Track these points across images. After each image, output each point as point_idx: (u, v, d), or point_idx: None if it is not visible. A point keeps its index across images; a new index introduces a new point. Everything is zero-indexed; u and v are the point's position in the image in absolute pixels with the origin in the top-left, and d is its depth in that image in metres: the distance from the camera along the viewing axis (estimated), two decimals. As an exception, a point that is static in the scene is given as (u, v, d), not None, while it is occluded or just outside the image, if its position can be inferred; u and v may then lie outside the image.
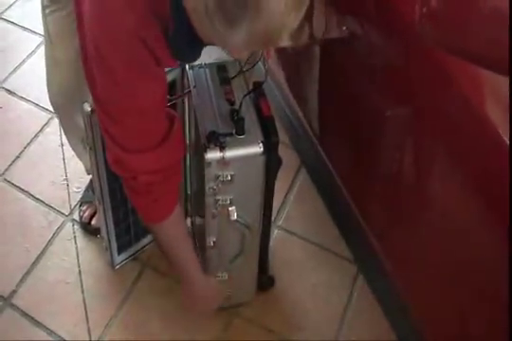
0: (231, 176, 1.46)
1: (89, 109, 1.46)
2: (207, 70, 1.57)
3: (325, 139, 1.91)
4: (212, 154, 1.43)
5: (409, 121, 1.48)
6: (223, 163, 1.43)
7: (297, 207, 2.04)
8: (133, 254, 1.90)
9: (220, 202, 1.51)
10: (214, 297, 1.68)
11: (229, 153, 1.43)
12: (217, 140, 1.43)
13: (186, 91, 1.59)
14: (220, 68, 1.57)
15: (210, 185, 1.48)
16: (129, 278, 1.88)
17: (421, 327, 1.62)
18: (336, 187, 1.88)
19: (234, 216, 1.52)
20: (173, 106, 1.58)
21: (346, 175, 1.86)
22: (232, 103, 1.50)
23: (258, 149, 1.45)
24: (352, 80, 1.62)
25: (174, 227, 1.47)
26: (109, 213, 1.72)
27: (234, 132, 1.45)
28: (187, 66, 1.57)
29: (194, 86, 1.54)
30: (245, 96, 1.49)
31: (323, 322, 1.82)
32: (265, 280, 1.85)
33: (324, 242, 1.97)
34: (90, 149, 1.56)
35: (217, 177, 1.46)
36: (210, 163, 1.44)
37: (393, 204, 1.63)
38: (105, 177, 1.63)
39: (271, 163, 1.50)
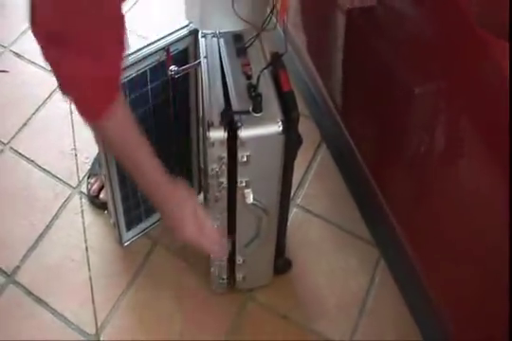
0: (247, 157, 1.34)
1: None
2: (221, 40, 1.43)
3: (348, 114, 1.79)
4: (216, 134, 1.31)
5: (440, 98, 1.37)
6: (240, 143, 1.31)
7: (316, 185, 1.92)
8: (143, 230, 1.80)
9: (224, 184, 1.40)
10: (196, 219, 1.37)
11: (245, 133, 1.30)
12: (231, 118, 1.31)
13: (196, 62, 1.46)
14: (236, 38, 1.44)
15: (212, 166, 1.36)
16: (138, 256, 1.78)
17: (444, 316, 1.53)
18: (357, 165, 1.78)
19: (250, 199, 1.41)
20: (185, 78, 1.45)
21: (369, 154, 1.75)
22: (249, 77, 1.37)
23: (277, 128, 1.32)
24: (380, 52, 1.49)
25: (122, 130, 1.24)
26: (116, 188, 1.61)
27: (251, 109, 1.32)
28: (199, 34, 1.44)
29: (205, 57, 1.41)
30: (263, 69, 1.36)
31: (341, 310, 1.71)
32: (281, 264, 1.73)
33: (344, 222, 1.85)
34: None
35: (221, 159, 1.34)
36: (212, 143, 1.32)
37: (418, 185, 1.54)
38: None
39: (291, 142, 1.38)
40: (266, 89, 1.35)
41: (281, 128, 1.32)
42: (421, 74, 1.39)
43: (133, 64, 1.39)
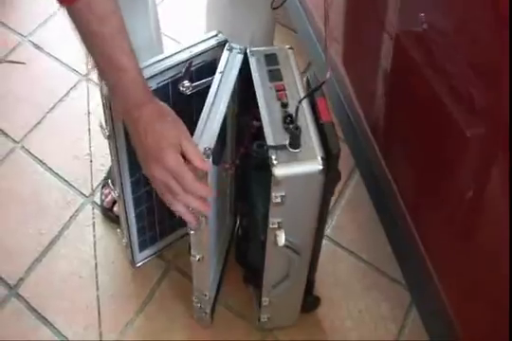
0: (281, 197, 1.18)
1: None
2: (253, 58, 1.26)
3: (388, 147, 1.61)
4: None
5: (495, 144, 1.19)
6: (274, 182, 1.15)
7: (347, 215, 1.75)
8: (156, 251, 1.65)
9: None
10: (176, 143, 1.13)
11: (281, 171, 1.14)
12: (265, 154, 1.15)
13: (209, 78, 1.27)
14: (269, 58, 1.26)
15: None
16: (151, 278, 1.63)
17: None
18: (392, 198, 1.61)
19: (282, 241, 1.25)
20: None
21: (408, 191, 1.57)
22: (285, 105, 1.20)
23: (317, 166, 1.15)
24: (430, 85, 1.31)
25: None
26: (130, 207, 1.46)
27: (287, 143, 1.16)
28: (226, 47, 1.28)
29: (221, 72, 1.24)
30: (304, 98, 1.19)
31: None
32: (309, 302, 1.57)
33: (375, 259, 1.69)
34: (109, 137, 1.29)
35: None
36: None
37: (459, 233, 1.37)
38: (127, 167, 1.37)
39: (330, 180, 1.21)
40: (303, 119, 1.18)
41: (321, 166, 1.16)
42: (476, 115, 1.22)
43: (153, 76, 1.23)
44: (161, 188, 1.15)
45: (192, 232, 1.27)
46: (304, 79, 1.26)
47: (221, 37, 1.28)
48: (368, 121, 1.66)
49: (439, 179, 1.38)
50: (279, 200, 1.19)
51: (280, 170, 1.14)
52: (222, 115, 1.19)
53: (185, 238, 1.60)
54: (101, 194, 1.71)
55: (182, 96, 1.28)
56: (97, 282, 1.61)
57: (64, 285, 1.62)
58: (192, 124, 1.40)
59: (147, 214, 1.51)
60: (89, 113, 1.78)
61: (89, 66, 1.91)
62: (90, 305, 1.59)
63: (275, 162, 1.14)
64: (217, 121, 1.18)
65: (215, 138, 1.17)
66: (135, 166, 1.32)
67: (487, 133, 1.19)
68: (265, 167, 1.25)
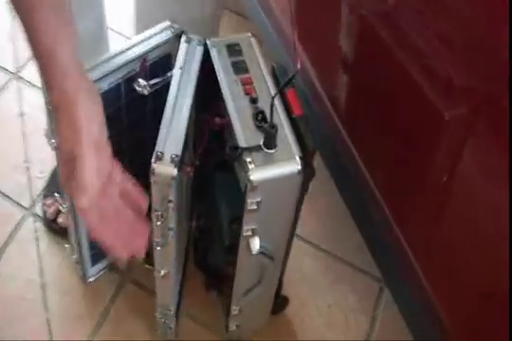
0: (257, 203, 1.05)
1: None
2: (214, 49, 1.13)
3: (355, 129, 1.50)
4: (163, 170, 1.02)
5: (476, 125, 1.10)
6: (250, 188, 1.02)
7: (306, 206, 1.63)
8: (109, 264, 1.50)
9: (172, 230, 1.13)
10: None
11: (257, 176, 1.01)
12: (240, 158, 1.02)
13: (168, 75, 1.14)
14: (231, 48, 1.14)
15: (155, 207, 1.08)
16: (105, 294, 1.48)
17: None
18: (362, 183, 1.50)
19: (257, 248, 1.13)
20: (166, 88, 1.14)
21: (380, 174, 1.47)
22: (254, 100, 1.08)
23: (295, 166, 1.03)
24: (402, 65, 1.22)
25: None
26: (81, 221, 1.31)
27: (262, 143, 1.03)
28: (182, 38, 1.14)
29: (181, 68, 1.11)
30: (278, 92, 1.06)
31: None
32: (278, 303, 1.46)
33: (339, 250, 1.61)
34: (57, 148, 1.13)
35: (167, 201, 1.06)
36: (155, 181, 1.03)
37: (438, 213, 1.28)
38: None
39: (306, 177, 1.10)
40: (275, 114, 1.05)
41: (299, 166, 1.04)
42: (455, 95, 1.12)
43: (104, 76, 1.09)
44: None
45: (158, 248, 1.13)
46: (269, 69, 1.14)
47: (176, 28, 1.13)
48: (331, 101, 1.54)
49: (415, 159, 1.29)
50: (254, 206, 1.06)
51: (257, 175, 1.02)
52: (186, 116, 1.06)
53: None
54: (43, 205, 1.55)
55: (136, 96, 1.14)
56: (45, 304, 1.45)
57: (9, 310, 1.46)
58: (147, 127, 1.27)
59: (99, 226, 1.36)
60: (22, 114, 1.60)
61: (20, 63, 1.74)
62: (40, 329, 1.43)
63: (251, 166, 1.01)
64: (182, 124, 1.05)
65: (182, 144, 1.03)
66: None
67: (464, 112, 1.11)
68: (227, 166, 1.16)
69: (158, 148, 1.02)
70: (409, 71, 1.22)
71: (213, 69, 1.13)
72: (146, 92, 1.10)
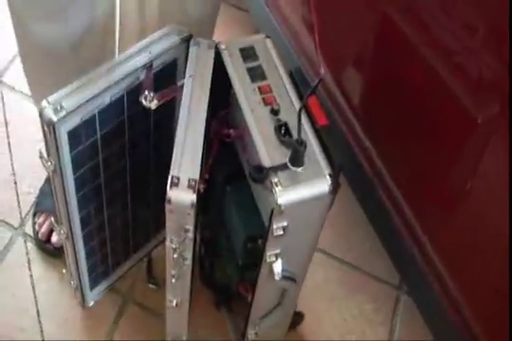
0: (284, 228, 0.94)
1: (53, 117, 0.91)
2: (225, 53, 1.00)
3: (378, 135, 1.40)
4: (180, 196, 0.90)
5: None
6: (276, 212, 0.90)
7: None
8: (109, 285, 1.38)
9: (187, 261, 1.02)
10: None
11: (286, 199, 0.90)
12: (266, 178, 0.89)
13: (178, 85, 1.02)
14: (246, 52, 1.01)
15: (171, 236, 0.97)
16: (106, 318, 1.36)
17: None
18: (380, 185, 1.41)
19: (279, 273, 1.02)
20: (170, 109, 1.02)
21: (400, 177, 1.37)
22: (276, 112, 0.95)
23: (326, 186, 0.92)
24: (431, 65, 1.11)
25: None
26: (80, 246, 1.19)
27: (288, 161, 0.91)
28: (191, 42, 1.01)
29: (191, 76, 0.98)
30: (303, 104, 0.94)
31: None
32: (292, 319, 1.35)
33: (354, 258, 1.51)
34: (54, 171, 1.00)
35: (185, 231, 0.95)
36: (171, 209, 0.92)
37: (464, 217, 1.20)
38: (75, 202, 1.09)
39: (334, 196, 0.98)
40: (294, 124, 0.93)
41: (330, 186, 0.92)
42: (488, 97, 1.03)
43: (106, 90, 0.96)
44: None
45: (173, 281, 1.01)
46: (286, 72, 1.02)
47: (183, 30, 1.00)
48: (351, 107, 1.43)
49: (441, 163, 1.21)
50: (280, 232, 0.95)
51: (284, 198, 0.90)
52: (202, 134, 0.93)
53: (139, 263, 1.39)
54: (34, 224, 1.41)
55: (139, 109, 1.01)
56: (42, 334, 1.33)
57: (3, 342, 1.33)
58: (149, 145, 1.14)
59: (98, 248, 1.25)
60: (6, 123, 1.46)
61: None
62: (40, 361, 1.31)
63: (278, 188, 0.89)
64: (198, 144, 0.93)
65: (199, 166, 0.90)
66: (84, 199, 1.05)
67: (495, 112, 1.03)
68: (239, 179, 1.07)
69: (173, 172, 0.90)
70: (437, 71, 1.12)
71: (225, 74, 1.00)
72: (154, 106, 0.97)
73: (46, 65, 1.18)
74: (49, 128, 0.93)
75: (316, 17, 1.02)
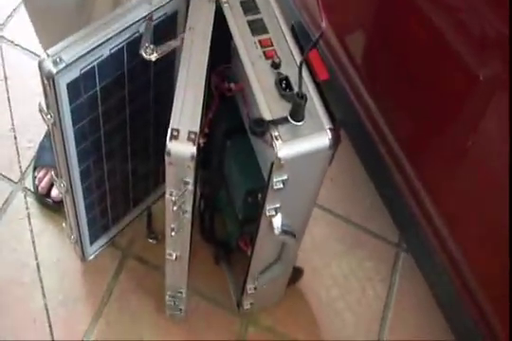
0: (283, 182, 0.93)
1: (52, 69, 0.91)
2: (226, 5, 0.99)
3: (377, 87, 1.39)
4: (180, 148, 0.90)
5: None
6: (276, 166, 0.90)
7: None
8: (109, 240, 1.38)
9: (187, 214, 1.01)
10: None
11: (286, 153, 0.89)
12: (266, 132, 0.89)
13: (177, 38, 1.01)
14: (247, 5, 0.99)
15: (170, 189, 0.96)
16: (106, 273, 1.38)
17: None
18: (383, 142, 1.40)
19: (279, 227, 1.02)
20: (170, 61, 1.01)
21: (403, 133, 1.37)
22: (277, 65, 0.94)
23: (326, 140, 0.91)
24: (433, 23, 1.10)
25: None
26: (80, 199, 1.19)
27: (289, 115, 0.90)
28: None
29: (191, 28, 0.97)
30: (304, 58, 0.92)
31: (359, 327, 1.39)
32: (292, 275, 1.36)
33: (353, 214, 1.51)
34: (54, 124, 0.99)
35: (184, 183, 0.94)
36: (170, 162, 0.91)
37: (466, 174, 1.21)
38: (75, 156, 1.09)
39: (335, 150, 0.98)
40: (295, 78, 0.92)
41: (330, 140, 0.92)
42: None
43: (105, 42, 0.95)
44: None
45: (172, 234, 1.02)
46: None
47: (184, -18, 0.99)
48: (352, 61, 1.42)
49: (442, 117, 1.21)
50: (280, 185, 0.95)
51: (284, 152, 0.90)
52: (202, 87, 0.93)
53: (139, 218, 1.40)
54: (34, 178, 1.42)
55: (139, 62, 1.00)
56: (42, 288, 1.34)
57: (3, 297, 1.34)
58: (149, 98, 1.14)
59: (98, 202, 1.25)
60: (6, 78, 1.45)
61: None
62: (39, 317, 1.32)
63: (278, 142, 0.89)
64: (198, 97, 0.92)
65: (199, 119, 0.90)
66: (84, 153, 1.05)
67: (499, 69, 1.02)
68: (240, 133, 1.06)
69: (173, 124, 0.89)
70: (439, 27, 1.11)
71: (225, 27, 0.99)
72: (153, 58, 0.96)
73: (53, 18, 1.17)
74: (49, 80, 0.92)
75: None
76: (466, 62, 1.10)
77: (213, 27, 0.99)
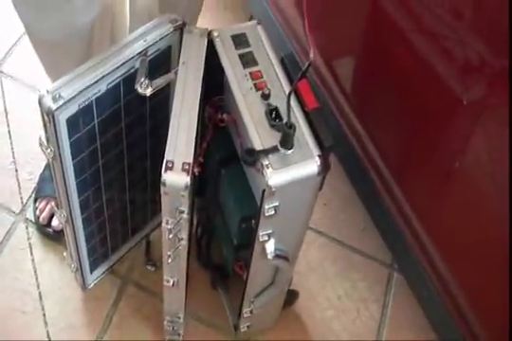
0: (275, 208, 0.98)
1: (52, 105, 0.95)
2: (217, 40, 1.04)
3: (367, 116, 1.44)
4: (175, 179, 0.94)
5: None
6: (268, 193, 0.95)
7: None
8: (109, 267, 1.42)
9: (182, 242, 1.05)
10: None
11: (277, 180, 0.94)
12: (257, 161, 0.93)
13: (172, 72, 1.06)
14: (238, 39, 1.04)
15: (166, 217, 1.01)
16: (106, 300, 1.41)
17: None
18: (373, 167, 1.45)
19: (272, 252, 1.06)
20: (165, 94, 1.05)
21: (392, 157, 1.41)
22: (267, 97, 0.99)
23: (315, 167, 0.96)
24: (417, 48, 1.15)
25: None
26: (79, 229, 1.23)
27: (279, 144, 0.95)
28: (184, 30, 1.05)
29: (184, 63, 1.02)
30: (292, 89, 0.97)
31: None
32: (287, 297, 1.39)
33: (347, 236, 1.55)
34: (54, 158, 1.04)
35: (179, 212, 0.99)
36: (166, 192, 0.96)
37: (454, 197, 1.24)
38: (75, 187, 1.13)
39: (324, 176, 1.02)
40: (285, 108, 0.97)
41: (319, 167, 0.96)
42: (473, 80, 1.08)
43: (102, 78, 0.99)
44: None
45: (169, 261, 1.05)
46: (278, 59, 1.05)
47: (177, 19, 1.04)
48: (341, 89, 1.46)
49: (428, 141, 1.26)
50: (272, 212, 0.99)
51: (275, 180, 0.94)
52: (195, 120, 0.97)
53: (137, 245, 1.43)
54: (35, 209, 1.45)
55: (135, 96, 1.04)
56: (44, 316, 1.37)
57: (6, 324, 1.37)
58: (145, 130, 1.18)
59: (98, 231, 1.29)
60: (6, 112, 1.49)
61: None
62: (41, 343, 1.35)
63: (269, 170, 0.93)
64: (191, 129, 0.96)
65: (193, 150, 0.94)
66: (83, 184, 1.09)
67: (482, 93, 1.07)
68: (233, 162, 1.11)
69: (168, 156, 0.93)
70: (424, 55, 1.16)
71: (218, 61, 1.04)
72: (148, 93, 1.00)
73: (58, 53, 1.21)
74: (48, 116, 0.96)
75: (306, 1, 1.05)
76: (450, 87, 1.14)
77: (206, 61, 1.04)
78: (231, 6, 1.85)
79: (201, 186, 1.31)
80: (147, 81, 1.00)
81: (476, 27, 1.04)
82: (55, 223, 1.42)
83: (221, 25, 1.52)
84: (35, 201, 1.46)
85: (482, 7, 1.02)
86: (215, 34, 1.04)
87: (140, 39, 1.01)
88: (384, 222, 1.49)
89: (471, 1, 1.04)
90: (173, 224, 0.99)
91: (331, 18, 1.40)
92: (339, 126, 1.50)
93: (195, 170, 1.07)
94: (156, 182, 0.95)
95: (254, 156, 0.93)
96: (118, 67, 0.99)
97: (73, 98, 0.96)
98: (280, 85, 1.01)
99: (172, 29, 1.03)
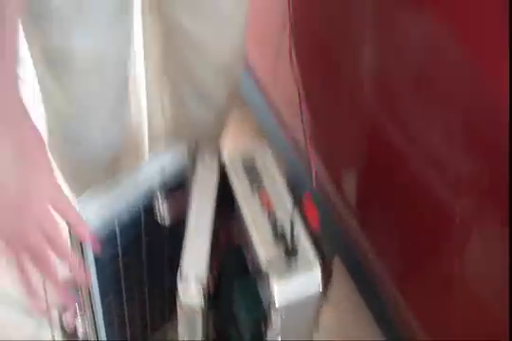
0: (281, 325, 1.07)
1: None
2: (230, 167, 1.16)
3: (368, 222, 1.53)
4: (189, 298, 1.04)
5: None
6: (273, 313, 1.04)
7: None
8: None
9: None
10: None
11: (281, 301, 1.03)
12: (265, 281, 1.03)
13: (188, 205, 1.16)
14: (248, 164, 1.16)
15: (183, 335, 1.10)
16: None
17: None
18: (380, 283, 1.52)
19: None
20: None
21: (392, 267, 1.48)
22: (275, 220, 1.09)
23: (317, 289, 1.05)
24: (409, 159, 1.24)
25: None
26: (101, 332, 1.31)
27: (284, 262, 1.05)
28: (197, 156, 1.17)
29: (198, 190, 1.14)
30: (292, 221, 1.07)
31: None
32: None
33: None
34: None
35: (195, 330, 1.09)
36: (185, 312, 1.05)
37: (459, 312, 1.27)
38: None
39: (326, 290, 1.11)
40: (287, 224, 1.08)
41: (320, 286, 1.05)
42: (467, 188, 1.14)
43: (127, 209, 1.10)
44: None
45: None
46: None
47: (192, 149, 1.16)
48: (345, 204, 1.56)
49: (429, 253, 1.31)
50: (277, 332, 1.08)
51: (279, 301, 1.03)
52: (208, 238, 1.08)
53: None
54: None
55: (155, 224, 1.15)
56: None
57: None
58: (165, 255, 1.27)
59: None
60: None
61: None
62: None
63: (277, 297, 1.03)
64: (204, 248, 1.07)
65: (207, 274, 1.04)
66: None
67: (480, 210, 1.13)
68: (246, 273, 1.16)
69: (182, 278, 1.03)
70: (428, 174, 1.23)
71: (229, 188, 1.14)
72: (167, 223, 1.11)
73: (80, 169, 1.31)
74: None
75: (307, 121, 1.15)
76: (449, 202, 1.19)
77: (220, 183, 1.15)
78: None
79: (216, 296, 1.38)
80: (166, 213, 1.11)
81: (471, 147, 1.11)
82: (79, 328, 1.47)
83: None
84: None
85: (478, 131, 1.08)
86: (227, 161, 1.15)
87: (156, 166, 1.12)
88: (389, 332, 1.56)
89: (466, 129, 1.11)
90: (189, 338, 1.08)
91: (332, 134, 1.51)
92: (344, 240, 1.59)
93: (210, 284, 1.17)
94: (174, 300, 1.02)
95: (263, 278, 1.02)
96: (138, 200, 1.10)
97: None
98: (287, 210, 1.11)
99: (187, 159, 1.14)
